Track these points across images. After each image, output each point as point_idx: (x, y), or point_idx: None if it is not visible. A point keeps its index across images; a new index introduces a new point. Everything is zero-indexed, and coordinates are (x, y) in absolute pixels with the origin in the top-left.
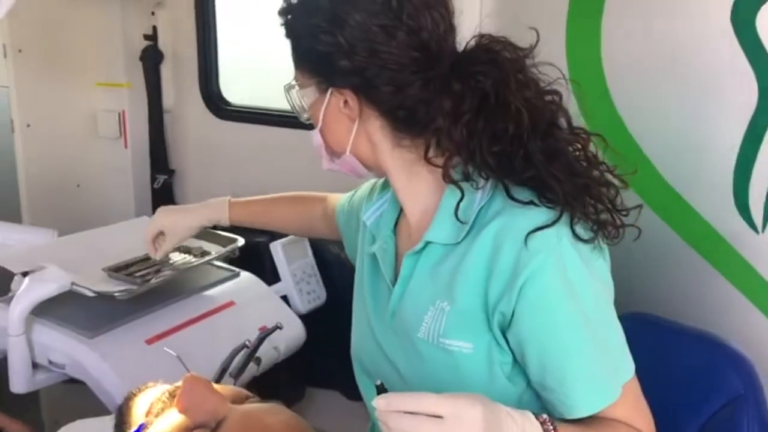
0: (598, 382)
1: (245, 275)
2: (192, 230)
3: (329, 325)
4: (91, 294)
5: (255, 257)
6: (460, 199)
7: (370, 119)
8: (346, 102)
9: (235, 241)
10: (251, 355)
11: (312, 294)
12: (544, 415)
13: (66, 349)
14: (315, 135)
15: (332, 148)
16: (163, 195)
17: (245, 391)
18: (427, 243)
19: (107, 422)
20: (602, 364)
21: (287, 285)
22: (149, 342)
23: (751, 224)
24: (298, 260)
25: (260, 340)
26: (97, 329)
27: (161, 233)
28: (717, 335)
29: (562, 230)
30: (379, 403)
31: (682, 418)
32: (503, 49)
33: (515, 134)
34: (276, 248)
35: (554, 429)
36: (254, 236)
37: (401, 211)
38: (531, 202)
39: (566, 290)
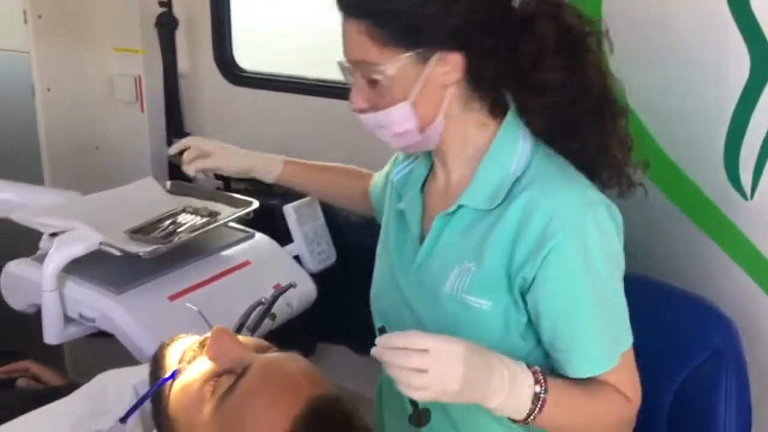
0: (602, 348)
1: (260, 236)
2: (240, 167)
3: (339, 283)
4: (118, 253)
5: (268, 219)
6: (502, 166)
7: (457, 82)
8: (445, 67)
9: (250, 203)
10: (267, 311)
11: (323, 254)
12: (535, 367)
13: (96, 304)
14: (400, 110)
15: (420, 121)
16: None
17: (266, 342)
18: (460, 206)
19: (135, 372)
20: (608, 333)
21: (299, 246)
22: (171, 298)
23: (741, 191)
24: (310, 222)
25: (275, 298)
26: (124, 286)
27: (201, 156)
28: (704, 297)
29: (588, 210)
30: (379, 341)
31: (666, 371)
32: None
33: (574, 91)
34: (288, 211)
35: (544, 379)
36: (268, 199)
37: (429, 173)
38: (563, 176)
39: (585, 264)
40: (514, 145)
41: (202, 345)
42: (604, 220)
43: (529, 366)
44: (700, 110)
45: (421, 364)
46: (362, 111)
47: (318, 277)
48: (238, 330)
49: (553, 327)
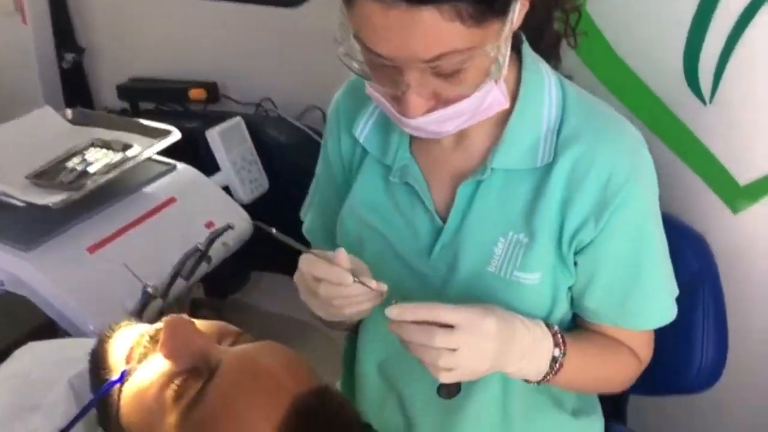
0: (666, 299)
1: (183, 168)
2: None
3: (272, 211)
4: (21, 204)
5: (189, 146)
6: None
7: None
8: (521, 9)
9: (168, 133)
10: (202, 257)
11: (254, 182)
12: (555, 327)
13: (2, 265)
14: (490, 88)
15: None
16: (74, 77)
17: (230, 326)
18: (493, 170)
19: (65, 347)
20: (670, 283)
21: (228, 175)
22: (91, 250)
23: (699, 96)
24: (237, 147)
25: (211, 241)
26: (33, 241)
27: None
28: (671, 214)
29: (641, 153)
30: (392, 312)
31: None
32: None
33: None
34: (213, 136)
35: (563, 342)
36: (186, 122)
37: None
38: (606, 121)
39: (650, 213)
40: (541, 82)
41: (153, 339)
42: (649, 157)
43: (548, 326)
44: (658, 13)
45: (450, 342)
46: (421, 114)
47: (249, 207)
48: (173, 280)
49: (612, 284)
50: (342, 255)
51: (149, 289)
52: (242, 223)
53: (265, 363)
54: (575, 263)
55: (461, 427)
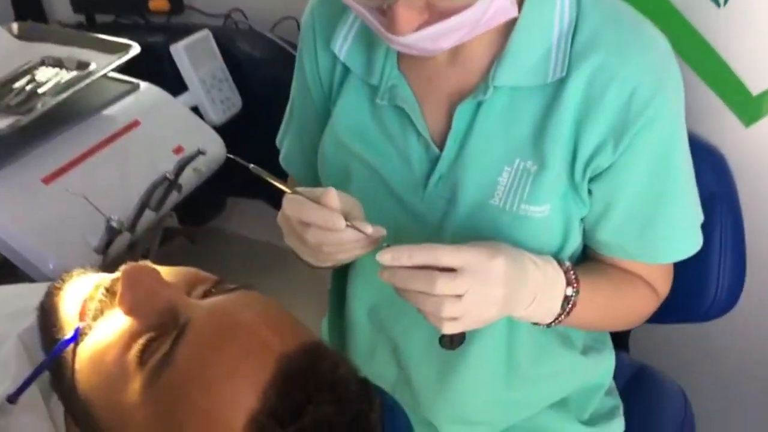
0: (691, 229)
1: (146, 87)
2: None
3: (247, 133)
4: None
5: (153, 64)
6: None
7: None
8: None
9: (128, 47)
10: (172, 185)
11: (226, 102)
12: (567, 263)
13: None
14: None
15: None
16: None
17: (202, 273)
18: (495, 88)
19: (10, 296)
20: (696, 211)
21: (197, 94)
22: (46, 181)
23: None
24: (206, 64)
25: (180, 169)
26: None
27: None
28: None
29: (668, 63)
30: (384, 258)
31: None
32: None
33: None
34: (178, 51)
35: (575, 279)
36: (148, 36)
37: None
38: (629, 26)
39: (678, 133)
40: None
41: (111, 292)
42: (678, 72)
43: (559, 263)
44: None
45: (454, 287)
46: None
47: (222, 129)
48: (140, 212)
49: (631, 215)
50: (332, 195)
51: (113, 223)
52: (214, 147)
53: (244, 317)
54: (589, 192)
55: (462, 376)
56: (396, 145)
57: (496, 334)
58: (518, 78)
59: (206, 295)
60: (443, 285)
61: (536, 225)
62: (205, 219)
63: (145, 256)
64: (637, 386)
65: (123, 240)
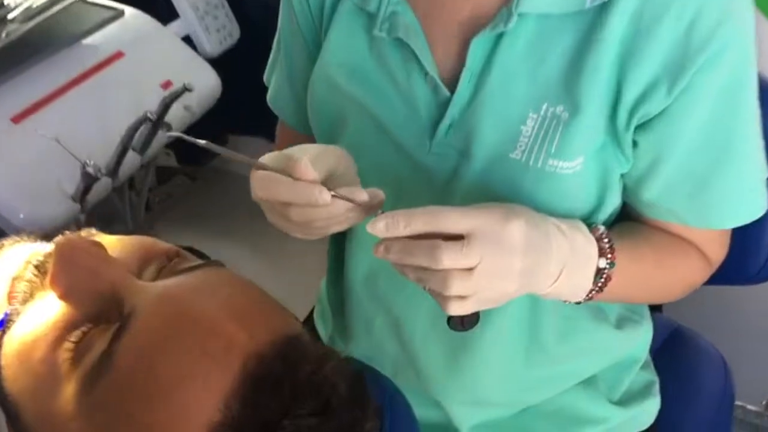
0: (755, 189)
1: (132, 14)
2: None
3: (246, 65)
4: None
5: None
6: None
7: None
8: None
9: None
10: (157, 125)
11: (222, 31)
12: (601, 228)
13: None
14: None
15: None
16: None
17: (160, 244)
18: (520, 15)
19: None
20: (759, 169)
21: (189, 22)
22: (16, 120)
23: None
24: None
25: (165, 107)
26: None
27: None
28: None
29: None
30: (377, 228)
31: None
32: None
33: None
34: None
35: (610, 248)
36: None
37: None
38: None
39: (749, 76)
40: None
41: (41, 270)
42: None
43: (591, 228)
44: None
45: (462, 258)
46: None
47: (218, 62)
48: (121, 156)
49: (684, 171)
50: (304, 167)
51: (89, 169)
52: (208, 82)
53: (203, 305)
54: (634, 144)
55: (476, 355)
56: (398, 86)
57: (517, 308)
58: (548, 3)
59: (161, 273)
60: (449, 256)
61: (566, 183)
62: (205, 158)
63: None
64: (672, 350)
65: (103, 186)
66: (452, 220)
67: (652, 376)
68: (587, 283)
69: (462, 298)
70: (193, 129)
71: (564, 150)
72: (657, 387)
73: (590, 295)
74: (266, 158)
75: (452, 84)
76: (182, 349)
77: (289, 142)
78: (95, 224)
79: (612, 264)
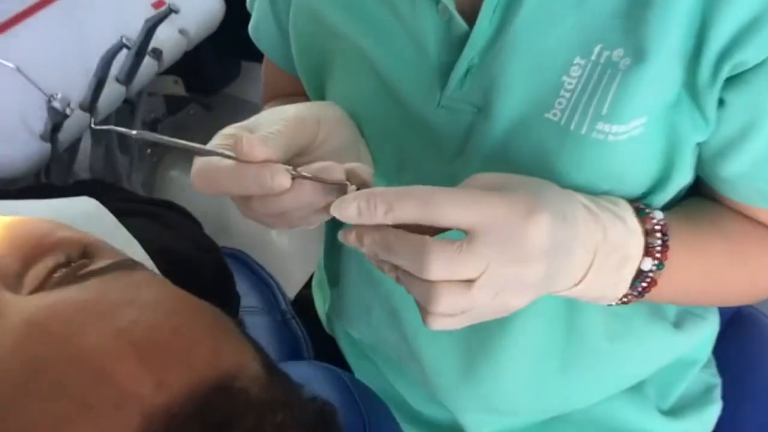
0: None
1: None
2: None
3: None
4: None
5: None
6: None
7: None
8: None
9: None
10: (140, 54)
11: None
12: (656, 216)
13: None
14: None
15: None
16: None
17: (58, 233)
18: None
19: None
20: None
21: None
22: None
23: None
24: None
25: (148, 32)
26: None
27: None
28: None
29: None
30: (347, 211)
31: None
32: None
33: None
34: None
35: (662, 245)
36: None
37: None
38: None
39: None
40: None
41: None
42: None
43: (643, 216)
44: None
45: (458, 268)
46: None
47: None
48: (96, 92)
49: None
50: (247, 145)
51: (55, 104)
52: (208, 2)
53: (89, 339)
54: (720, 102)
55: (496, 358)
56: (400, 16)
57: (551, 303)
58: None
59: (51, 281)
60: (442, 264)
61: (618, 154)
62: (217, 86)
63: (152, 126)
64: (734, 337)
65: (77, 122)
66: (451, 210)
67: (713, 378)
68: (621, 286)
69: (452, 316)
70: (198, 56)
71: (620, 109)
72: (719, 391)
73: (627, 300)
74: (228, 132)
75: (472, 15)
76: (49, 403)
77: (276, 86)
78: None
79: (660, 265)
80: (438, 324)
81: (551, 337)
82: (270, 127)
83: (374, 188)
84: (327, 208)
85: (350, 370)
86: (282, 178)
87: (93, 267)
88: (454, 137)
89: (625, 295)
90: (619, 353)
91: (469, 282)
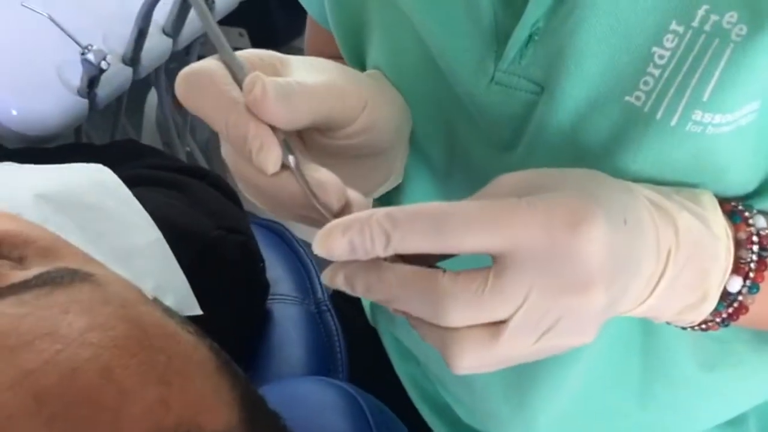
0: None
1: None
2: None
3: None
4: None
5: None
6: None
7: None
8: None
9: None
10: (186, 4)
11: None
12: (756, 223)
13: None
14: None
15: None
16: None
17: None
18: None
19: None
20: None
21: None
22: None
23: None
24: None
25: None
26: None
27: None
28: None
29: None
30: (336, 246)
31: None
32: None
33: None
34: None
35: (759, 261)
36: None
37: None
38: None
39: None
40: None
41: None
42: None
43: (736, 221)
44: None
45: (484, 312)
46: None
47: None
48: (138, 41)
49: None
50: (267, 92)
51: (89, 56)
52: None
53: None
54: None
55: (553, 393)
56: None
57: (621, 318)
58: None
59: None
60: (462, 308)
61: (719, 150)
62: (282, 39)
63: None
64: None
65: (119, 77)
66: (471, 234)
67: None
68: (703, 308)
69: (479, 366)
70: (265, 7)
71: (727, 94)
72: None
73: (704, 326)
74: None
75: None
76: None
77: (317, 49)
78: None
79: (753, 288)
80: (466, 372)
81: (625, 360)
82: (302, 75)
83: (365, 213)
84: (301, 216)
85: (391, 367)
86: (268, 159)
87: (15, 279)
88: (509, 122)
89: (705, 321)
90: (715, 383)
91: (500, 324)
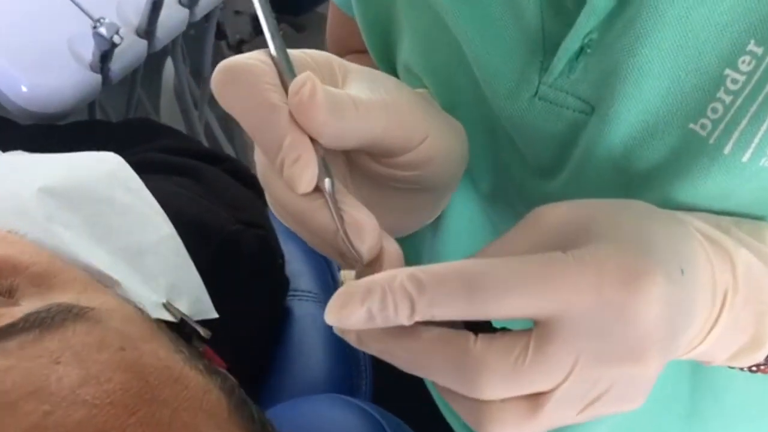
0: None
1: None
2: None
3: None
4: None
5: None
6: None
7: None
8: None
9: None
10: None
11: None
12: None
13: None
14: None
15: None
16: None
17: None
18: None
19: None
20: None
21: None
22: None
23: None
24: None
25: None
26: None
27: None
28: None
29: None
30: (352, 318)
31: None
32: None
33: None
34: None
35: None
36: None
37: None
38: None
39: None
40: None
41: None
42: None
43: None
44: None
45: (522, 387)
46: None
47: None
48: (153, 13)
49: None
50: (319, 102)
51: (101, 30)
52: None
53: None
54: None
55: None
56: None
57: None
58: None
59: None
60: (498, 381)
61: None
62: (305, 6)
63: (238, 49)
64: None
65: (134, 50)
66: (510, 298)
67: None
68: (760, 355)
69: None
70: None
71: None
72: None
73: (754, 369)
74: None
75: None
76: None
77: (341, 39)
78: None
79: None
80: None
81: (675, 384)
82: (360, 88)
83: (389, 276)
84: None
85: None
86: (302, 175)
87: (2, 323)
88: (552, 143)
89: (758, 365)
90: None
91: (541, 396)
